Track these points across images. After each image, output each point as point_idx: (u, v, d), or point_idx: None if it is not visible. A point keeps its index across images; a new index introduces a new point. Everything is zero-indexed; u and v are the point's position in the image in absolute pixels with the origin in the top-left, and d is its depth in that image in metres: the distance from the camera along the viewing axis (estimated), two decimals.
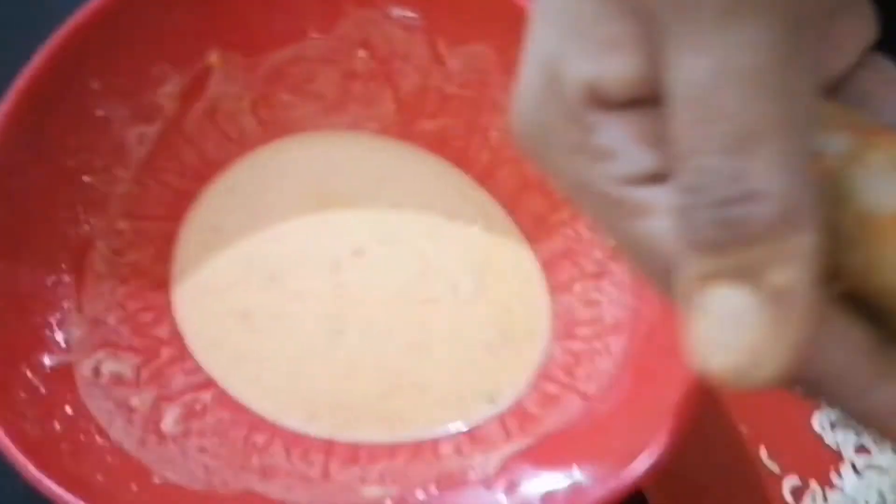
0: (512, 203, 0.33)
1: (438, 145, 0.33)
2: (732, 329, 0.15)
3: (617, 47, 0.17)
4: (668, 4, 0.15)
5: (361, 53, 0.32)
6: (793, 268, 0.15)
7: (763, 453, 0.31)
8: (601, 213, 0.18)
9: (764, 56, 0.14)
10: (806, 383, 0.17)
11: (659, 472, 0.29)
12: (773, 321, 0.15)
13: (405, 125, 0.33)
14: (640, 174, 0.17)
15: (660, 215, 0.16)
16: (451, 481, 0.29)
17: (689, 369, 0.26)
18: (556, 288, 0.32)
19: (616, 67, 0.17)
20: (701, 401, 0.30)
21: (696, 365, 0.15)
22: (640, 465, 0.25)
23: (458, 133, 0.33)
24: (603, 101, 0.17)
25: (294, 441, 0.30)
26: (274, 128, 0.34)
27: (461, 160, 0.33)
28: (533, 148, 0.19)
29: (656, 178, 0.17)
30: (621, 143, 0.17)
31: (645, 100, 0.17)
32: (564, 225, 0.32)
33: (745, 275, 0.15)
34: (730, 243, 0.14)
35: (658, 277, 0.17)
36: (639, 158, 0.17)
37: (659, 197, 0.17)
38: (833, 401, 0.17)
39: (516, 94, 0.18)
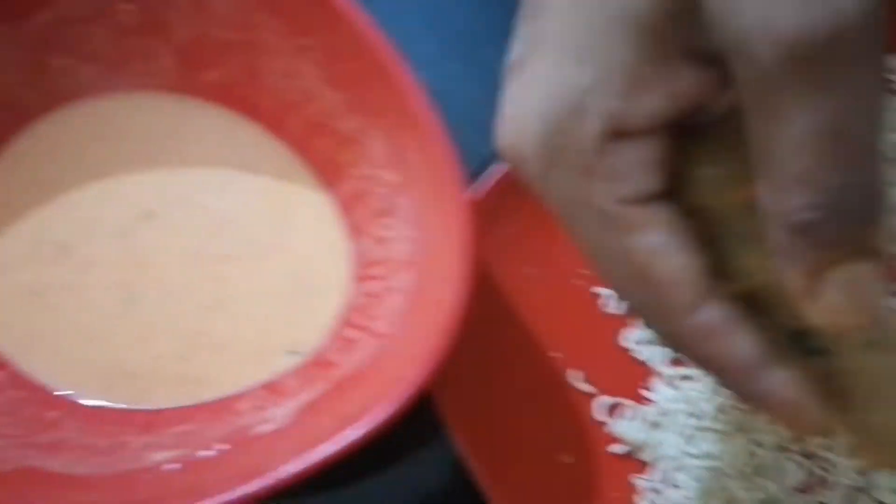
0: (302, 149, 0.32)
1: (223, 96, 0.32)
2: (862, 294, 0.18)
3: (648, 88, 0.19)
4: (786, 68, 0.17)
5: (126, 6, 0.31)
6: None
7: (576, 376, 0.31)
8: (596, 230, 0.20)
9: (879, 92, 0.17)
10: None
11: (460, 403, 0.29)
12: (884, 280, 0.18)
13: (186, 79, 0.32)
14: (644, 194, 0.20)
15: (653, 230, 0.20)
16: (243, 436, 0.28)
17: (463, 296, 0.26)
18: (353, 231, 0.31)
19: (644, 106, 0.19)
20: (489, 329, 0.29)
21: (831, 327, 0.18)
22: (398, 396, 0.24)
23: (240, 81, 0.32)
24: (622, 132, 0.19)
25: (88, 415, 0.29)
26: (53, 96, 0.32)
27: (247, 109, 0.32)
28: (533, 165, 0.20)
29: (652, 197, 0.20)
30: (630, 167, 0.20)
31: (655, 130, 0.19)
32: (352, 165, 0.31)
33: (864, 253, 0.17)
34: (860, 236, 0.17)
35: (640, 286, 0.20)
36: (645, 180, 0.20)
37: (657, 214, 0.20)
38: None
39: (517, 112, 0.21)
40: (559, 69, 0.20)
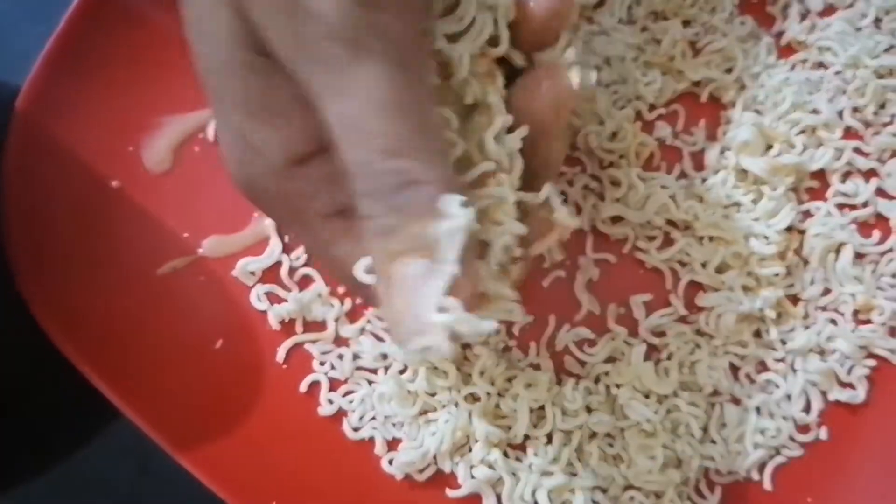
0: None
1: None
2: (426, 289, 0.20)
3: (286, 115, 0.22)
4: (309, 68, 0.20)
5: None
6: (452, 238, 0.20)
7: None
8: (312, 244, 0.25)
9: (387, 88, 0.20)
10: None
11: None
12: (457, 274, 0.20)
13: None
14: (332, 209, 0.23)
15: (344, 242, 0.24)
16: None
17: None
18: None
19: (288, 133, 0.22)
20: None
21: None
22: None
23: None
24: (293, 157, 0.23)
25: None
26: None
27: None
28: (255, 197, 0.24)
29: (344, 212, 0.23)
30: (314, 187, 0.23)
31: (324, 148, 0.22)
32: None
33: (421, 248, 0.20)
34: (403, 225, 0.20)
35: (351, 285, 0.24)
36: (328, 197, 0.23)
37: (343, 227, 0.23)
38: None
39: (227, 159, 0.24)
40: (224, 118, 0.24)
